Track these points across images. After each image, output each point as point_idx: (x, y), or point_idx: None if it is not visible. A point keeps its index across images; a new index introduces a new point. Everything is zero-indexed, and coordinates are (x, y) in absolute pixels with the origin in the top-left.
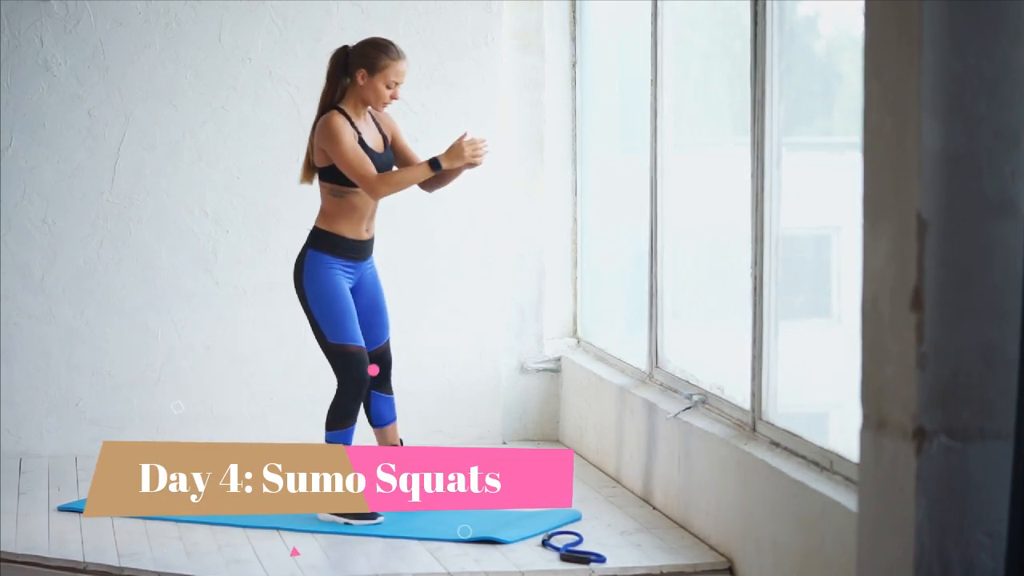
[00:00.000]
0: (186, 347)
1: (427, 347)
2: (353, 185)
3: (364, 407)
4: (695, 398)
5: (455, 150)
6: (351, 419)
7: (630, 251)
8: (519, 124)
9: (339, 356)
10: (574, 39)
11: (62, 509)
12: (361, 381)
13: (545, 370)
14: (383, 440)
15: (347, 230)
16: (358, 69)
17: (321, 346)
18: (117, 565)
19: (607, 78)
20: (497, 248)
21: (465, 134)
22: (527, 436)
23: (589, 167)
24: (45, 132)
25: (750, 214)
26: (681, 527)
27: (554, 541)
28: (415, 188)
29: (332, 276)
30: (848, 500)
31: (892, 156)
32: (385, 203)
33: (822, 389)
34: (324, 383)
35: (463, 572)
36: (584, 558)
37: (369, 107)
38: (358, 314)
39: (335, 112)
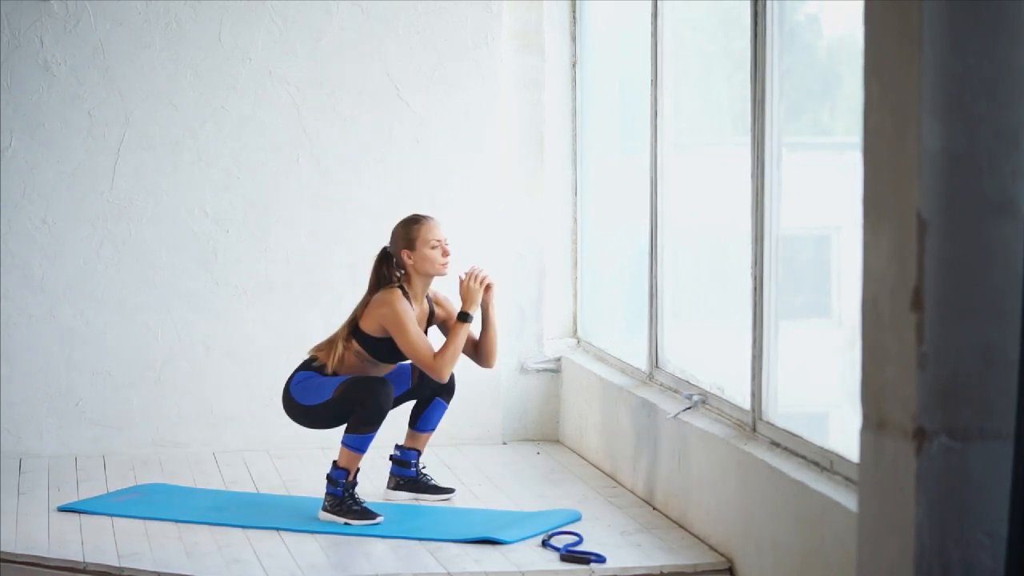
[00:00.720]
0: (186, 347)
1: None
2: (379, 359)
3: (418, 407)
4: (695, 398)
5: (465, 294)
6: (375, 427)
7: (630, 251)
8: (519, 124)
9: (345, 392)
10: (574, 39)
11: (62, 509)
12: (385, 392)
13: (545, 370)
14: (412, 442)
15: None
16: (400, 252)
17: (330, 416)
18: (117, 565)
19: (607, 78)
20: (497, 248)
21: (460, 277)
22: (527, 436)
23: (589, 167)
24: (45, 132)
25: (750, 214)
26: (681, 527)
27: (554, 541)
28: (410, 175)
29: (317, 378)
30: (848, 500)
31: (892, 156)
32: (385, 206)
33: (822, 389)
34: None
35: (463, 572)
36: (584, 558)
37: (430, 292)
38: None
39: (397, 290)
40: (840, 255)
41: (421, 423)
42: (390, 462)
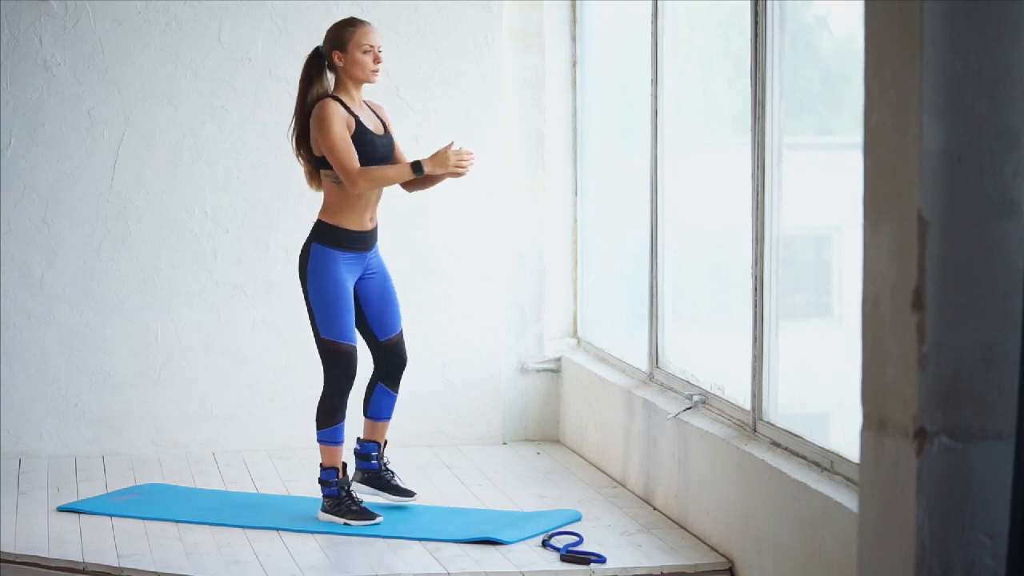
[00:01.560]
0: (186, 347)
1: (427, 347)
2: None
3: (366, 396)
4: (695, 398)
5: (440, 157)
6: (339, 415)
7: (630, 251)
8: (519, 124)
9: (329, 352)
10: (574, 39)
11: (62, 509)
12: (348, 379)
13: (545, 370)
14: (371, 434)
15: (351, 221)
16: (332, 54)
17: (315, 338)
18: (117, 565)
19: (607, 78)
20: (497, 248)
21: (452, 143)
22: (527, 436)
23: (589, 167)
24: (45, 132)
25: (750, 214)
26: (681, 527)
27: (554, 541)
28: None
29: (336, 271)
30: (849, 500)
31: (893, 156)
32: (385, 202)
33: (823, 389)
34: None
35: (463, 572)
36: (584, 558)
37: (365, 100)
38: (369, 303)
39: (329, 99)
40: (841, 255)
41: (372, 411)
42: (354, 456)
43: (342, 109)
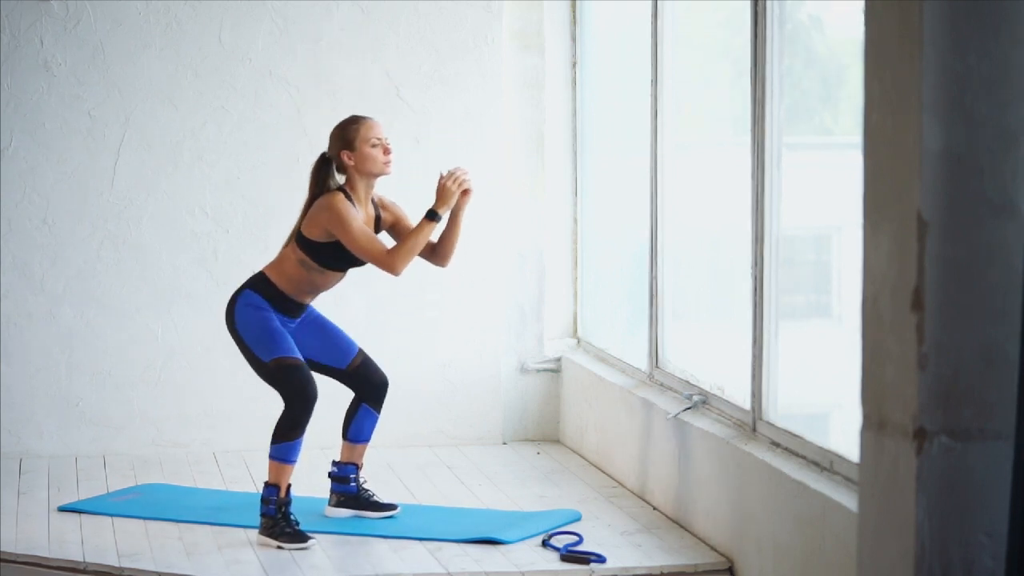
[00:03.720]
0: (186, 347)
1: (427, 347)
2: (325, 265)
3: (347, 417)
4: (695, 398)
5: (441, 192)
6: (297, 432)
7: (630, 251)
8: (519, 124)
9: (277, 371)
10: (574, 39)
11: (62, 509)
12: (307, 393)
13: (545, 370)
14: (349, 456)
15: (296, 295)
16: (340, 154)
17: (260, 372)
18: (117, 565)
19: (607, 78)
20: (497, 248)
21: (440, 174)
22: (527, 436)
23: (589, 167)
24: (45, 132)
25: (750, 214)
26: (681, 527)
27: (554, 541)
28: (411, 175)
29: (263, 312)
30: (848, 500)
31: (892, 156)
32: None
33: (822, 389)
34: (324, 383)
35: (463, 572)
36: (584, 558)
37: (376, 196)
38: (310, 346)
39: (339, 192)
40: (840, 255)
41: (352, 433)
42: (329, 479)
43: (350, 202)
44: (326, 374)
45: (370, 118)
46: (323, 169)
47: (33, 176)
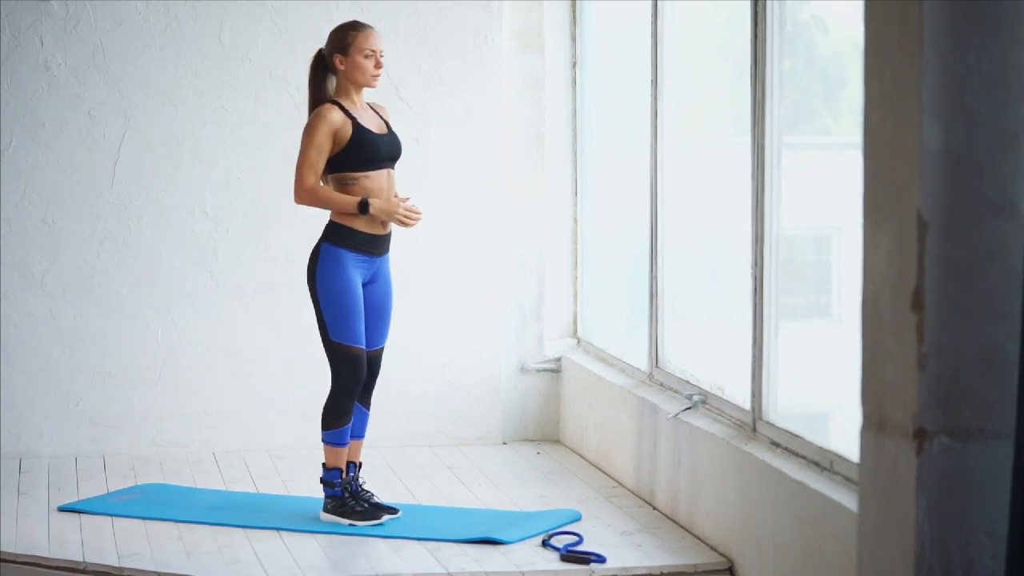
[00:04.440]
0: (186, 347)
1: (427, 347)
2: (359, 168)
3: None
4: (695, 398)
5: (390, 206)
6: (346, 417)
7: (630, 251)
8: (519, 124)
9: (339, 355)
10: (574, 39)
11: (62, 509)
12: (356, 381)
13: (545, 370)
14: (348, 454)
15: (362, 224)
16: (333, 56)
17: (323, 341)
18: (117, 565)
19: (607, 78)
20: (497, 248)
21: (407, 199)
22: (527, 436)
23: (589, 167)
24: (45, 132)
25: (750, 214)
26: (681, 527)
27: (554, 541)
28: (410, 175)
29: (346, 273)
30: (848, 500)
31: (892, 156)
32: None
33: (822, 389)
34: (324, 383)
35: (463, 572)
36: (584, 558)
37: (368, 101)
38: (365, 310)
39: (327, 104)
40: (840, 255)
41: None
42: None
43: (336, 116)
44: None
45: (369, 27)
46: (318, 66)
47: (33, 176)
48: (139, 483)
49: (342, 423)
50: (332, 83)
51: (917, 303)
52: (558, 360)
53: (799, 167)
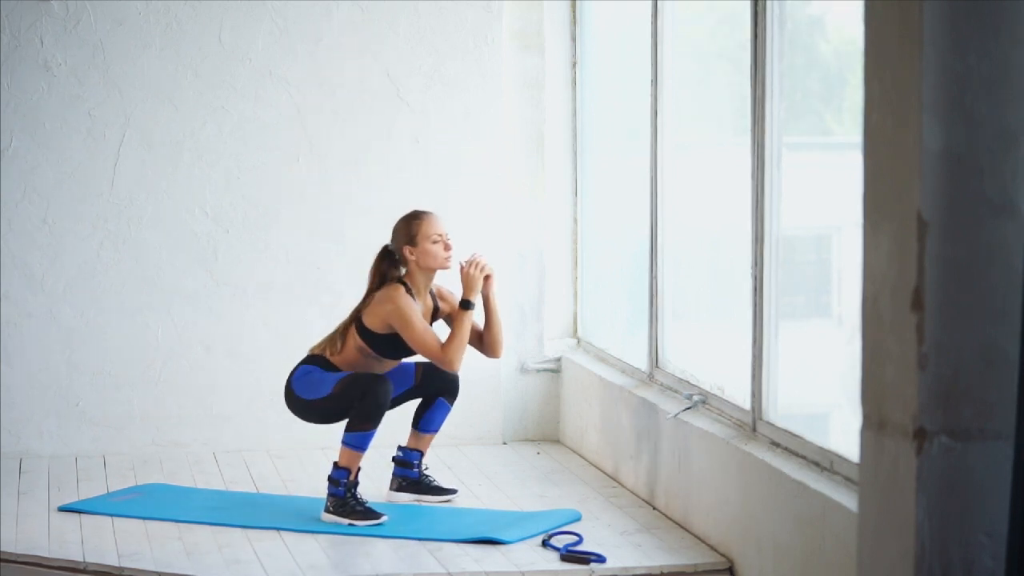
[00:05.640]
0: (186, 347)
1: None
2: (384, 355)
3: (421, 408)
4: (695, 398)
5: (465, 280)
6: (373, 422)
7: (630, 251)
8: (519, 124)
9: (345, 388)
10: (574, 39)
11: (62, 509)
12: (376, 389)
13: (545, 370)
14: (416, 443)
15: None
16: (402, 248)
17: (330, 406)
18: (117, 565)
19: (607, 78)
20: (497, 248)
21: (460, 264)
22: (527, 436)
23: (589, 167)
24: (45, 132)
25: (750, 214)
26: (681, 527)
27: (554, 541)
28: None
29: (319, 372)
30: (848, 500)
31: (892, 156)
32: (386, 206)
33: (822, 389)
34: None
35: (463, 572)
36: (584, 558)
37: (433, 286)
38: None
39: (400, 286)
40: (840, 255)
41: (424, 423)
42: (393, 463)
43: (410, 296)
44: (403, 400)
45: (431, 213)
46: (385, 261)
47: (33, 176)
48: (139, 483)
49: (367, 427)
50: (399, 272)
51: (917, 303)
52: (558, 360)
53: (799, 167)
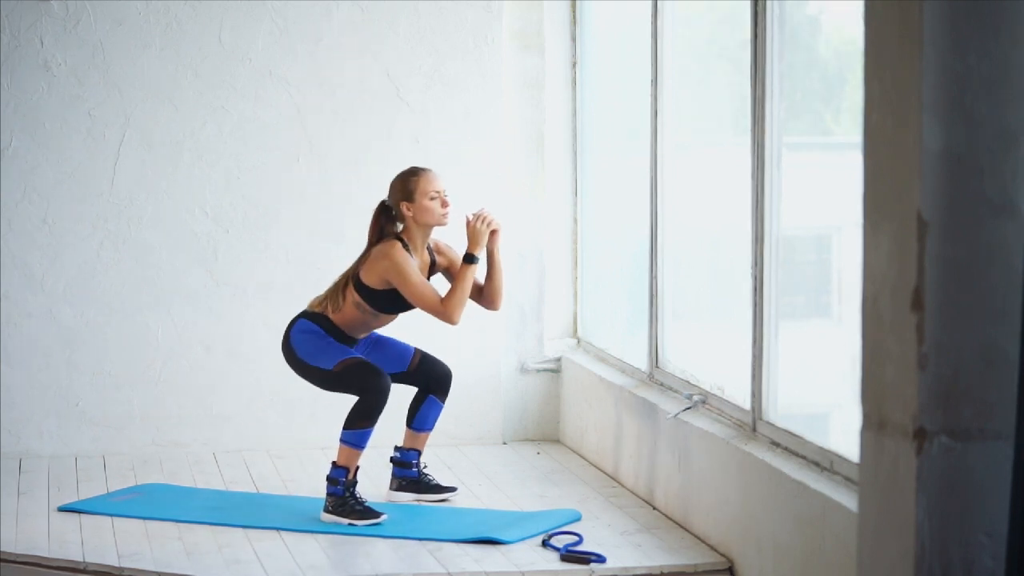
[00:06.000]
0: (186, 347)
1: (427, 347)
2: (381, 310)
3: (413, 407)
4: (695, 398)
5: (471, 234)
6: (372, 420)
7: (630, 251)
8: (519, 124)
9: (344, 373)
10: (574, 39)
11: (62, 509)
12: (379, 384)
13: (545, 370)
14: (412, 443)
15: (349, 331)
16: (399, 204)
17: (327, 383)
18: (117, 565)
19: (607, 78)
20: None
21: (467, 218)
22: (527, 436)
23: (589, 167)
24: (45, 132)
25: (750, 214)
26: (681, 527)
27: (554, 541)
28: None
29: (317, 336)
30: (848, 500)
31: (892, 156)
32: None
33: (822, 389)
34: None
35: (463, 572)
36: (584, 558)
37: (431, 241)
38: (373, 361)
39: (396, 242)
40: (840, 255)
41: (417, 422)
42: (391, 464)
43: (407, 252)
44: (393, 381)
45: (429, 170)
46: (383, 216)
47: (33, 176)
48: (139, 483)
49: (365, 425)
50: (397, 228)
51: (917, 303)
52: (558, 360)
53: (799, 167)
